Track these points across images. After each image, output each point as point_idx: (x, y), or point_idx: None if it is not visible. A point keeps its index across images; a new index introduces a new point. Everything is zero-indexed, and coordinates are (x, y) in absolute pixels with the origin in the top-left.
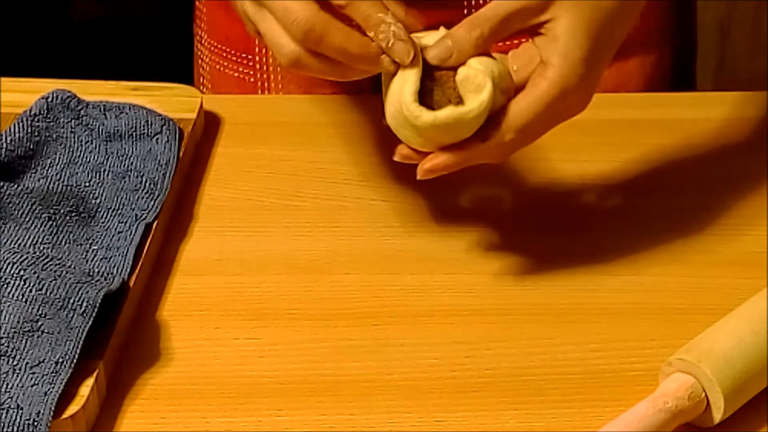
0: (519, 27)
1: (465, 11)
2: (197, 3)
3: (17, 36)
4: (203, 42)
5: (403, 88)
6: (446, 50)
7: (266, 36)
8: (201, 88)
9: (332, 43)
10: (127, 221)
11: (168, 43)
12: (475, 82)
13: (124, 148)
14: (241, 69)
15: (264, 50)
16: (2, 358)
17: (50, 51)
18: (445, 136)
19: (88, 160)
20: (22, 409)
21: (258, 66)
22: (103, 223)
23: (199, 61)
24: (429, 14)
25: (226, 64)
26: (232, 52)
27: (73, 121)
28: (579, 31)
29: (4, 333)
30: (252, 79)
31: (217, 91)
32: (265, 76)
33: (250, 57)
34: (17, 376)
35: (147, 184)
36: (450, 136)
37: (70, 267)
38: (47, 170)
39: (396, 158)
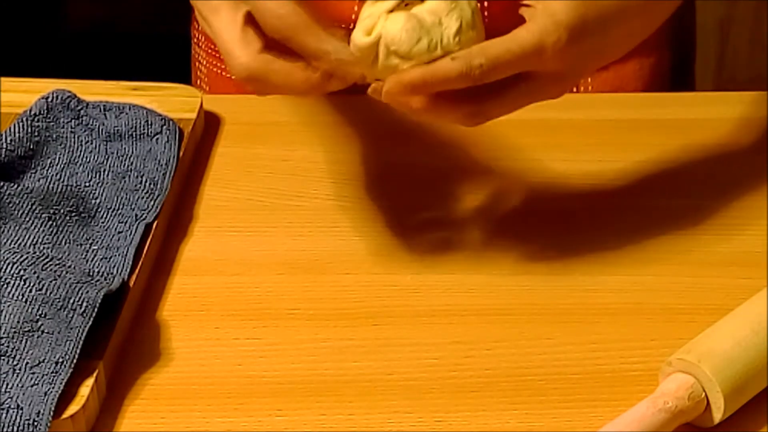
0: None
1: None
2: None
3: (16, 37)
4: (200, 44)
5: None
6: None
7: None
8: (198, 90)
9: (275, 85)
10: (127, 221)
11: (166, 44)
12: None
13: (124, 148)
14: None
15: None
16: (2, 358)
17: (48, 52)
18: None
19: (88, 160)
20: (22, 409)
21: None
22: (103, 223)
23: (197, 63)
24: None
25: (223, 66)
26: None
27: (73, 121)
28: (573, 3)
29: (4, 333)
30: None
31: (214, 93)
32: None
33: None
34: (17, 376)
35: (147, 184)
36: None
37: (70, 267)
38: (47, 170)
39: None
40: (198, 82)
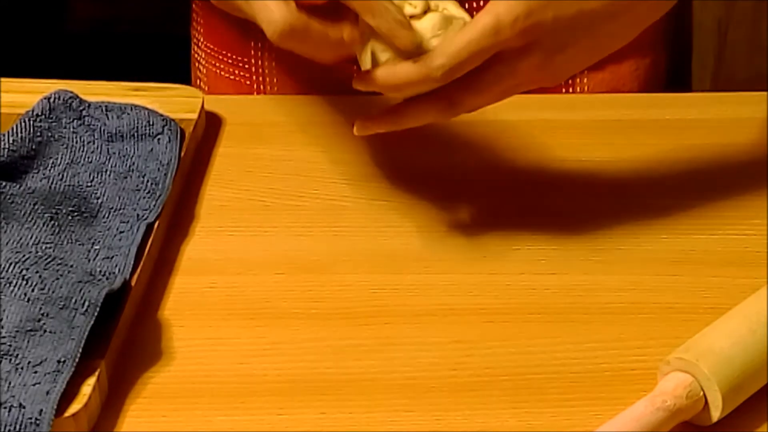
0: None
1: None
2: (194, 6)
3: (17, 37)
4: (200, 45)
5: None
6: None
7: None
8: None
9: (314, 40)
10: (128, 221)
11: (167, 45)
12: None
13: (126, 149)
14: (237, 72)
15: (260, 53)
16: (5, 357)
17: (49, 53)
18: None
19: (90, 160)
20: (24, 407)
21: (254, 69)
22: (104, 222)
23: (196, 63)
24: None
25: (222, 67)
26: (229, 55)
27: (75, 121)
28: None
29: (6, 332)
30: (248, 82)
31: (213, 94)
32: (261, 79)
33: (245, 60)
34: (19, 374)
35: (148, 184)
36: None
37: (72, 266)
38: (49, 170)
39: (355, 131)
40: (198, 82)
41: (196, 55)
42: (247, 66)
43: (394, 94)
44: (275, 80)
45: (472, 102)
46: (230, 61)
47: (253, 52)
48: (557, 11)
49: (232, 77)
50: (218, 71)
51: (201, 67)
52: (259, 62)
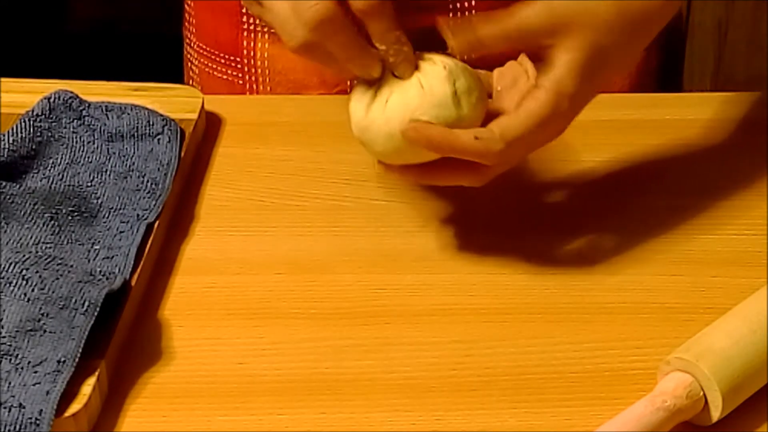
0: (529, 43)
1: (450, 15)
2: (186, 6)
3: (17, 37)
4: (192, 45)
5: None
6: (468, 45)
7: (276, 20)
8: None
9: (340, 40)
10: (128, 221)
11: (167, 45)
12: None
13: (126, 149)
14: (229, 71)
15: (251, 52)
16: (5, 356)
17: (50, 53)
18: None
19: (90, 160)
20: (24, 407)
21: (246, 68)
22: (104, 222)
23: (189, 63)
24: (416, 19)
25: (214, 66)
26: (220, 54)
27: (75, 121)
28: (575, 68)
29: (6, 332)
30: (240, 82)
31: (206, 93)
32: (252, 78)
33: (237, 59)
34: (19, 374)
35: (148, 184)
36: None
37: (72, 266)
38: (49, 170)
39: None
40: (190, 82)
41: (188, 55)
42: (239, 65)
43: (435, 150)
44: (267, 79)
45: (499, 171)
46: (222, 60)
47: (245, 52)
48: (591, 87)
49: (224, 76)
50: (210, 71)
51: (194, 67)
52: (251, 61)
